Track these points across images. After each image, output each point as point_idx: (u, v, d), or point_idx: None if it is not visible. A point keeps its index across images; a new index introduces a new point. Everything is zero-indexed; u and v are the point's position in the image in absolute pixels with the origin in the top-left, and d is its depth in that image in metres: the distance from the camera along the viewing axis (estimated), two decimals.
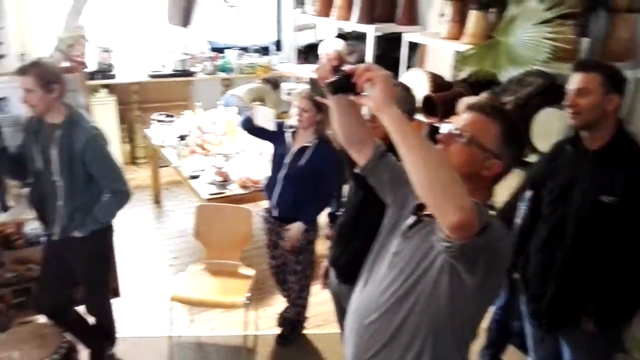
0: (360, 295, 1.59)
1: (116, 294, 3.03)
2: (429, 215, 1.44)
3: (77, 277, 2.65)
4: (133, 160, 5.40)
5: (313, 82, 1.62)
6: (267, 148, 3.58)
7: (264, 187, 3.02)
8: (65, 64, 2.96)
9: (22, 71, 2.34)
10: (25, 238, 2.90)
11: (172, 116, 4.53)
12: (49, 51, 3.33)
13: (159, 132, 4.30)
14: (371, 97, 1.27)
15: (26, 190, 2.69)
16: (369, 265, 1.62)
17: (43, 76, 2.34)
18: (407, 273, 1.44)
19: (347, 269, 2.18)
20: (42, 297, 2.68)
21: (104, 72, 5.00)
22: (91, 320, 2.75)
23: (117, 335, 2.85)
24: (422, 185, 1.22)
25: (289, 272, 2.96)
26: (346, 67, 1.37)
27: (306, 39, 5.53)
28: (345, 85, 1.34)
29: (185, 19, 3.51)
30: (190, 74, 5.38)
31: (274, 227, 2.92)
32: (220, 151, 3.89)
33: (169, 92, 5.36)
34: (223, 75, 5.53)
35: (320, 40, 4.34)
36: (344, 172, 2.87)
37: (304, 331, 3.16)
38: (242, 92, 4.73)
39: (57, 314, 2.65)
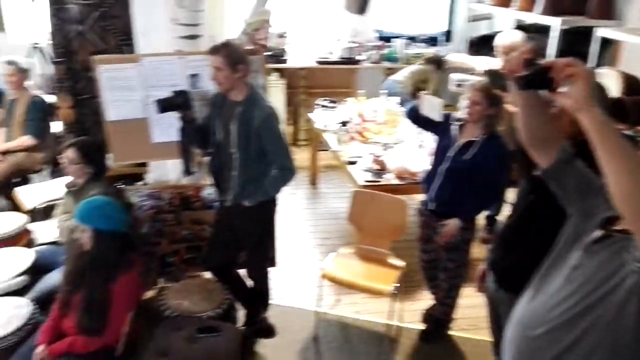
0: (528, 306, 1.48)
1: (273, 263, 3.24)
2: (622, 231, 1.28)
3: (242, 242, 2.88)
4: (295, 141, 5.69)
5: (495, 75, 1.53)
6: (428, 141, 3.53)
7: (422, 180, 2.97)
8: (250, 47, 3.20)
9: (214, 51, 2.55)
10: (202, 201, 3.22)
11: (335, 102, 4.68)
12: (235, 33, 3.63)
13: (321, 116, 4.46)
14: (571, 95, 1.16)
15: (207, 159, 2.96)
16: (540, 275, 1.50)
17: (231, 56, 2.53)
18: (586, 291, 1.31)
19: (508, 275, 2.06)
20: (210, 255, 2.96)
21: (277, 56, 5.32)
22: (249, 283, 2.98)
23: (270, 301, 3.05)
24: (622, 197, 1.10)
25: (440, 269, 2.89)
26: (542, 61, 1.27)
27: (480, 30, 5.30)
28: (539, 79, 1.24)
29: (362, 7, 3.57)
30: (356, 62, 5.49)
31: (429, 221, 2.86)
32: (379, 140, 3.92)
33: (334, 79, 5.55)
34: (388, 64, 5.55)
35: (497, 32, 4.11)
36: (510, 172, 2.72)
37: (449, 332, 3.08)
38: (403, 76, 4.67)
39: (222, 273, 2.92)
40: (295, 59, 5.45)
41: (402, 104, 4.14)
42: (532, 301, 1.47)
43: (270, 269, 3.03)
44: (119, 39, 3.30)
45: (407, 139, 3.89)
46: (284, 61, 5.37)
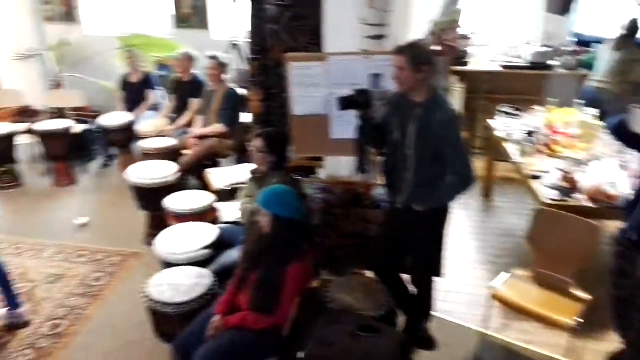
0: None
1: (438, 273, 3.09)
2: None
3: (409, 247, 2.80)
4: (470, 149, 5.42)
5: None
6: (633, 161, 3.08)
7: (623, 205, 2.59)
8: (437, 48, 3.11)
9: (399, 51, 2.52)
10: (372, 200, 3.21)
11: (520, 110, 4.33)
12: (420, 34, 3.56)
13: (503, 124, 4.17)
14: None
15: (381, 158, 2.94)
16: None
17: (416, 57, 2.47)
18: None
19: None
20: (375, 256, 2.93)
21: (459, 59, 5.11)
22: (412, 290, 2.90)
23: (432, 312, 2.94)
24: None
25: (637, 309, 2.48)
26: None
27: None
28: None
29: (565, 7, 3.22)
30: (547, 67, 5.02)
31: (628, 253, 2.47)
32: (570, 155, 3.52)
33: (520, 85, 5.11)
34: (585, 72, 4.98)
35: None
36: None
37: None
38: (602, 74, 4.07)
39: (385, 275, 2.87)
40: (477, 62, 5.19)
41: (602, 117, 3.67)
42: None
43: (435, 280, 2.91)
44: (308, 38, 3.44)
45: (605, 157, 3.43)
46: (465, 64, 5.14)
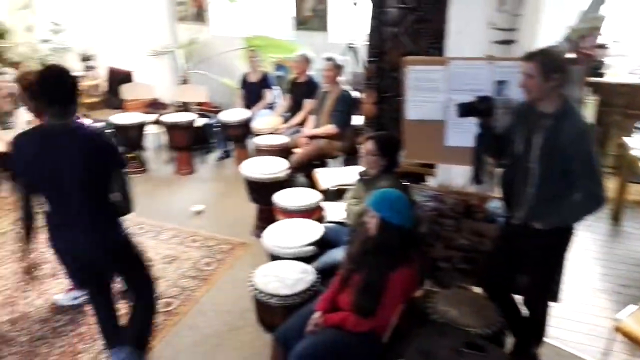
0: None
1: (555, 298, 2.87)
2: None
3: (524, 267, 2.62)
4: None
5: None
6: None
7: None
8: (572, 55, 2.88)
9: (529, 57, 2.37)
10: (485, 213, 3.04)
11: None
12: (549, 40, 3.31)
13: None
14: None
15: (499, 170, 2.78)
16: None
17: (546, 64, 2.32)
18: None
19: None
20: (486, 272, 2.79)
21: (594, 69, 4.71)
22: (524, 312, 2.71)
23: (544, 338, 2.73)
24: None
25: None
26: None
27: None
28: None
29: None
30: None
31: None
32: None
33: None
34: None
35: None
36: None
37: None
38: None
39: (494, 293, 2.71)
40: (615, 74, 4.74)
41: None
42: None
43: (550, 304, 2.70)
44: (430, 42, 3.36)
45: None
46: (601, 75, 4.72)
